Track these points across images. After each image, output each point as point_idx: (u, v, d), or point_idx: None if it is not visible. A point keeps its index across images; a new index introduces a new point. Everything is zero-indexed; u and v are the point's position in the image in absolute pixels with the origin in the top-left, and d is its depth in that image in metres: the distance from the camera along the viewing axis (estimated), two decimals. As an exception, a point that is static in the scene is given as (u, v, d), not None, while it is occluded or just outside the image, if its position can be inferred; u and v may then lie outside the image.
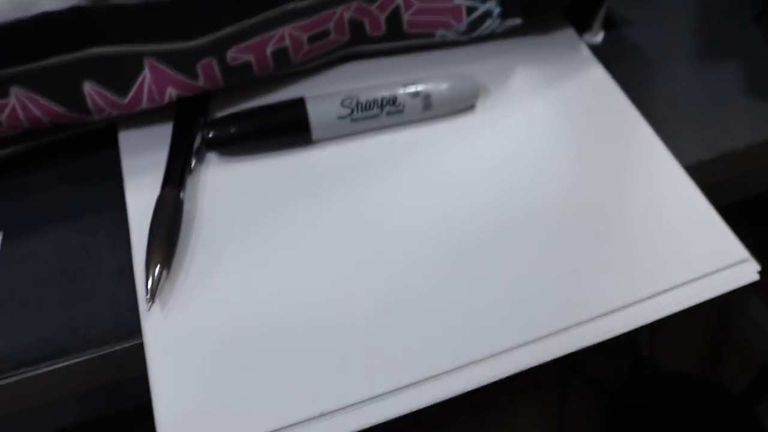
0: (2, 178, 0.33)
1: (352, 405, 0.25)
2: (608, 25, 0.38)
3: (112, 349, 0.28)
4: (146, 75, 0.30)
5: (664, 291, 0.28)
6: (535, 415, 0.97)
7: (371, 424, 0.25)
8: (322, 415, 0.25)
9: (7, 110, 0.29)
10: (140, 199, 0.31)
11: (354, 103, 0.31)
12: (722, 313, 1.04)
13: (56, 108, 0.30)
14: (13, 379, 0.27)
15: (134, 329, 0.28)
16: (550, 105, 0.34)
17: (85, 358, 0.28)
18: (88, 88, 0.29)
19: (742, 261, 0.29)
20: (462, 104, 0.33)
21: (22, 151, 0.33)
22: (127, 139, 0.33)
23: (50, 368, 0.28)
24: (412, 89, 0.32)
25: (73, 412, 0.33)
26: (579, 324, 0.27)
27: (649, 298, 0.28)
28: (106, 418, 0.34)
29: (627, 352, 1.00)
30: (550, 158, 0.32)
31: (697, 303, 0.28)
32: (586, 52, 0.37)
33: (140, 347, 0.27)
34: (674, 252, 0.29)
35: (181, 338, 0.27)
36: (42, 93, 0.29)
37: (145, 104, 0.31)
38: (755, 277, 0.29)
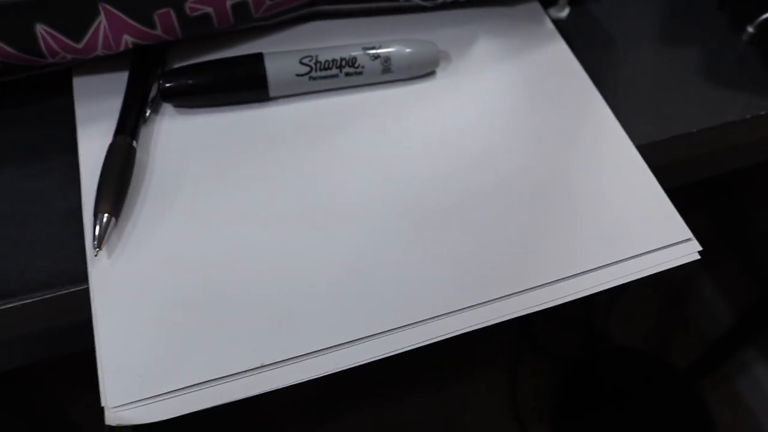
0: (-49, 118, 0.32)
1: (294, 358, 0.26)
2: (574, 1, 0.39)
3: (58, 293, 0.28)
4: (102, 21, 0.29)
5: (608, 264, 0.29)
6: (487, 385, 0.99)
7: (312, 378, 0.26)
8: (262, 367, 0.25)
9: (-45, 49, 0.28)
10: (92, 146, 0.30)
11: (313, 61, 0.31)
12: (674, 293, 1.07)
13: (7, 49, 0.29)
14: (-44, 319, 0.27)
15: (81, 274, 0.28)
16: (510, 76, 0.35)
17: (31, 300, 0.28)
18: (41, 30, 0.29)
19: (685, 240, 0.30)
20: (422, 70, 0.34)
21: (-28, 91, 0.32)
22: (81, 84, 0.32)
23: (-7, 310, 0.28)
24: (372, 51, 0.32)
25: (18, 354, 0.33)
26: (523, 291, 0.28)
27: (592, 270, 0.29)
28: (51, 362, 0.34)
29: (581, 326, 1.03)
30: (506, 129, 0.33)
31: (639, 278, 0.29)
32: (550, 26, 0.37)
33: (86, 292, 0.27)
34: (620, 227, 0.30)
35: (126, 286, 0.27)
36: (-7, 33, 0.28)
37: (100, 50, 0.30)
38: (696, 256, 0.30)
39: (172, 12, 0.30)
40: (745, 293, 0.97)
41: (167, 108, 0.32)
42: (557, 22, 0.37)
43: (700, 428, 0.92)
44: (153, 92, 0.32)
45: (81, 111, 0.32)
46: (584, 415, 0.95)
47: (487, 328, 0.27)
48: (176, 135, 0.31)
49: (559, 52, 0.36)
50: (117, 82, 0.32)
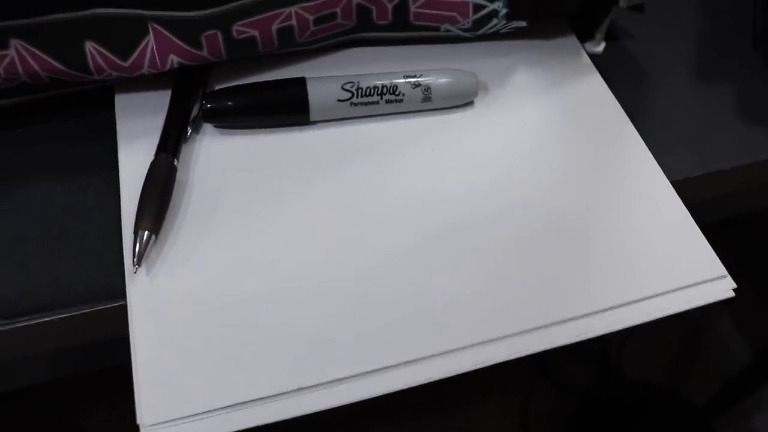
0: (-4, 130, 0.33)
1: (330, 382, 0.26)
2: (610, 37, 0.39)
3: (95, 309, 0.28)
4: (150, 40, 0.30)
5: (640, 299, 0.29)
6: (499, 415, 0.98)
7: (348, 402, 0.26)
8: (300, 390, 0.25)
9: (6, 62, 0.29)
10: (133, 163, 0.31)
11: (355, 87, 0.32)
12: (691, 328, 1.06)
13: (56, 64, 0.29)
14: (-9, 330, 0.27)
15: (118, 291, 0.28)
16: (547, 109, 0.35)
17: (67, 315, 0.28)
18: (90, 47, 0.29)
19: (720, 277, 0.30)
20: (461, 99, 0.34)
21: (17, 104, 0.32)
22: (123, 101, 0.33)
23: (30, 323, 0.28)
24: (413, 80, 0.32)
25: (51, 368, 0.33)
26: (552, 324, 0.28)
27: (624, 305, 0.29)
28: (77, 378, 0.34)
29: (595, 359, 1.02)
30: (542, 161, 0.33)
31: (671, 314, 0.29)
32: (586, 60, 0.37)
33: (122, 309, 0.27)
34: (654, 262, 0.30)
35: (164, 304, 0.27)
36: (43, 48, 0.29)
37: (146, 69, 0.31)
38: (730, 293, 0.30)
39: (219, 34, 0.30)
40: (763, 329, 0.96)
41: (208, 128, 0.33)
42: (593, 57, 0.38)
43: (715, 466, 0.91)
44: (195, 112, 0.32)
45: (122, 128, 0.32)
46: (596, 448, 0.94)
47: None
48: (216, 155, 0.32)
49: (596, 86, 0.36)
50: (158, 101, 0.33)
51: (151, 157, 0.30)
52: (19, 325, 0.28)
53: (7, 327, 0.28)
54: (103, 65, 0.30)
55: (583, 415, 0.96)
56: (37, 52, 0.29)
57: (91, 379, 0.39)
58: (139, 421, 0.24)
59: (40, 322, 0.28)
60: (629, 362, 1.02)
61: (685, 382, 1.02)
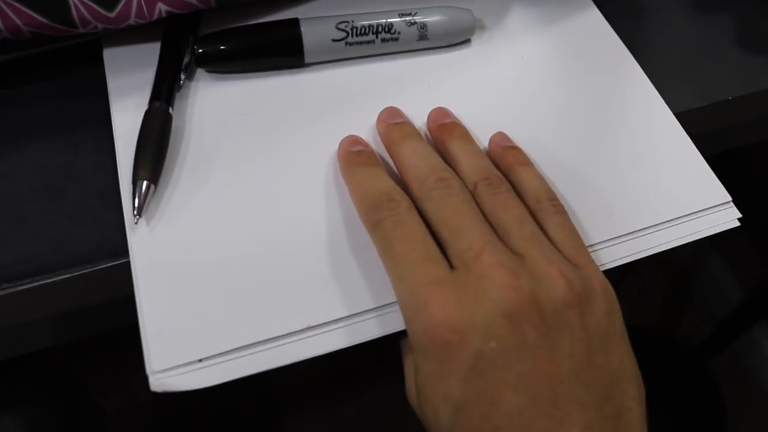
0: (-20, 92, 0.32)
1: (340, 320, 0.26)
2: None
3: (97, 268, 0.27)
4: (136, -13, 0.28)
5: (648, 228, 0.29)
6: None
7: (361, 341, 0.25)
8: (308, 329, 0.25)
9: (-15, 18, 0.28)
10: (126, 118, 0.30)
11: (349, 27, 0.31)
12: (683, 271, 1.07)
13: (38, 18, 0.28)
14: (-7, 295, 0.27)
15: (119, 248, 0.27)
16: (547, 45, 0.34)
17: (69, 275, 0.27)
18: (74, -2, 0.28)
19: (725, 203, 0.30)
20: (458, 37, 0.33)
21: (2, 63, 0.31)
22: (112, 56, 0.32)
23: (32, 285, 0.27)
24: (408, 18, 0.31)
25: (48, 335, 0.32)
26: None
27: (631, 234, 0.29)
28: (80, 342, 0.33)
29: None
30: (543, 95, 0.32)
31: (680, 245, 0.29)
32: (583, -6, 0.36)
33: (125, 266, 0.27)
34: (660, 192, 0.30)
35: (167, 252, 0.27)
36: (24, 1, 0.28)
37: (133, 19, 0.30)
38: (735, 223, 0.30)
39: (207, -22, 0.29)
40: (754, 269, 0.97)
41: (201, 76, 0.32)
42: (589, -9, 0.37)
43: (711, 404, 0.93)
44: (186, 59, 0.31)
45: (113, 83, 0.31)
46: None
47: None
48: (211, 102, 0.31)
49: (594, 20, 0.35)
50: (148, 53, 0.31)
51: (144, 111, 0.29)
52: (21, 288, 0.27)
53: (8, 291, 0.27)
54: (88, 17, 0.29)
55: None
56: (17, 5, 0.28)
57: (94, 343, 0.39)
58: (147, 369, 0.24)
59: (42, 285, 0.27)
60: (623, 308, 1.03)
61: (679, 324, 1.04)
